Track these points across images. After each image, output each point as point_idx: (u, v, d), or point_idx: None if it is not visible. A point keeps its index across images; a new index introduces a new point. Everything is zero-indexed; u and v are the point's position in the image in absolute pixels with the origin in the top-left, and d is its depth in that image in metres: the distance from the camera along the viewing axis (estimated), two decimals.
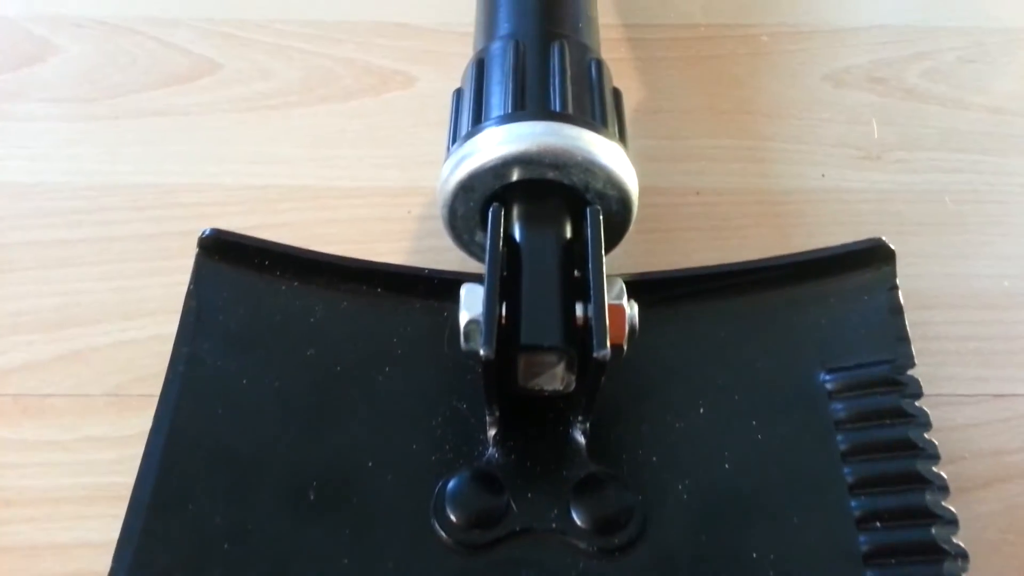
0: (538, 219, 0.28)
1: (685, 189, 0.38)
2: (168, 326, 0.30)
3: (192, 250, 0.33)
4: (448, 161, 0.29)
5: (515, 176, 0.28)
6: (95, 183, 0.37)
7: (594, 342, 0.24)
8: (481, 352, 0.24)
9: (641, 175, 0.35)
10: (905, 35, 0.44)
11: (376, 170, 0.38)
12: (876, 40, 0.43)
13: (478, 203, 0.29)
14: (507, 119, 0.28)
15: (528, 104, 0.28)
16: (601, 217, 0.26)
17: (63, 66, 0.42)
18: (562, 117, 0.28)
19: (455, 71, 0.41)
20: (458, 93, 0.32)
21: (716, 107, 0.41)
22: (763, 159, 0.39)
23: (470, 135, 0.28)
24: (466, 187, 0.28)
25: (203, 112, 0.40)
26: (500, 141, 0.28)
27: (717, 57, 0.43)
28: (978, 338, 0.34)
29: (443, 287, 0.31)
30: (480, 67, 0.31)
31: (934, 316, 0.34)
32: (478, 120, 0.29)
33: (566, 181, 0.28)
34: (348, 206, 0.37)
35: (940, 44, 0.43)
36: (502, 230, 0.27)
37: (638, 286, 0.30)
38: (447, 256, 0.33)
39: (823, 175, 0.38)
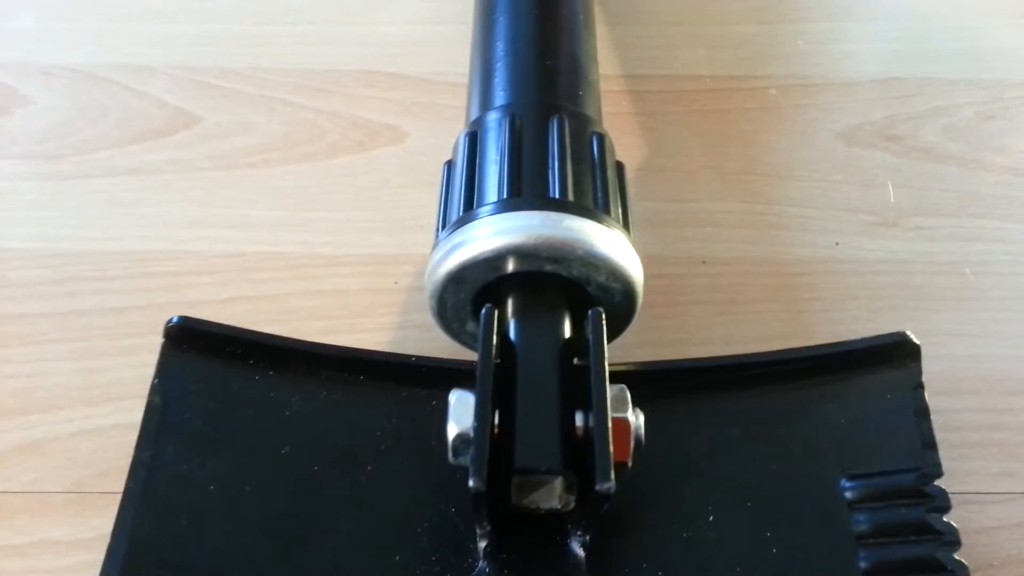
0: (535, 317, 0.25)
1: (690, 258, 0.35)
2: (135, 412, 0.27)
3: (162, 325, 0.31)
4: (438, 249, 0.26)
5: (510, 268, 0.25)
6: (61, 250, 0.35)
7: (596, 471, 0.21)
8: (470, 483, 0.21)
9: (644, 242, 0.33)
10: (920, 89, 0.41)
11: (362, 235, 0.36)
12: (890, 94, 0.41)
13: (469, 294, 0.26)
14: (502, 206, 0.26)
15: (525, 189, 0.26)
16: (604, 320, 0.24)
17: (30, 119, 0.39)
18: (561, 205, 0.25)
19: (447, 125, 0.39)
20: (449, 167, 0.30)
21: (723, 167, 0.38)
22: (773, 225, 0.36)
23: (462, 223, 0.26)
24: (457, 279, 0.26)
25: (178, 170, 0.37)
26: (494, 232, 0.25)
27: (723, 112, 0.40)
28: (1004, 428, 0.31)
29: (431, 375, 0.28)
30: (473, 142, 0.29)
31: (955, 403, 0.32)
32: (471, 204, 0.26)
33: (565, 274, 0.26)
34: (331, 276, 0.34)
35: (957, 99, 0.41)
36: (496, 332, 0.24)
37: (642, 377, 0.28)
38: (436, 333, 0.31)
39: (837, 243, 0.36)
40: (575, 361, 0.25)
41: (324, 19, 0.43)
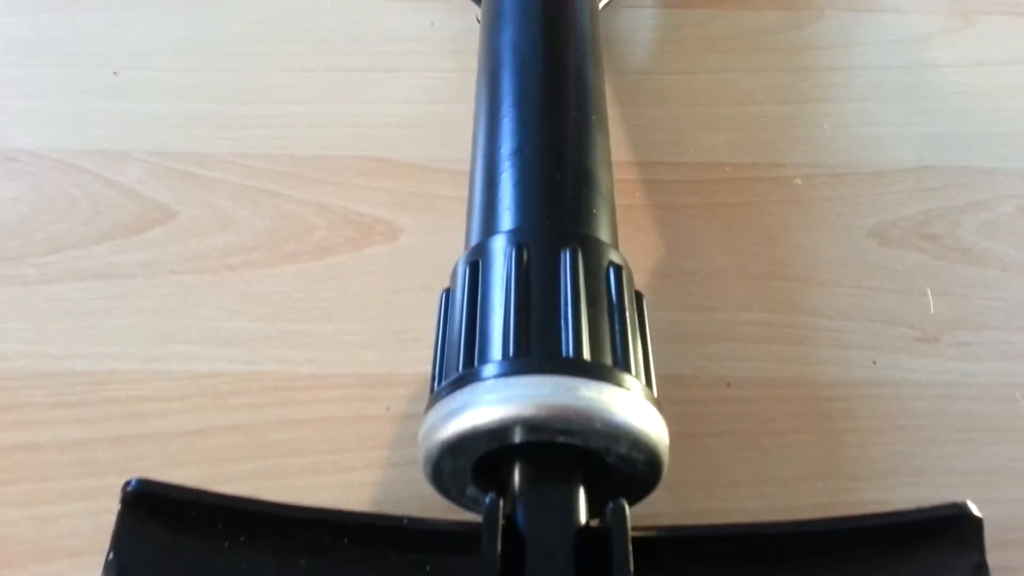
0: (545, 502, 0.21)
1: (714, 379, 0.32)
2: (94, 570, 0.23)
3: (127, 463, 0.27)
4: (434, 411, 0.23)
5: (517, 439, 0.22)
6: (16, 370, 0.31)
7: None
8: None
9: (663, 360, 0.29)
10: (957, 179, 0.37)
11: (350, 351, 0.32)
12: (924, 185, 0.37)
13: (469, 462, 0.23)
14: (507, 367, 0.22)
15: (533, 346, 0.22)
16: (628, 518, 0.20)
17: None
18: (575, 367, 0.22)
19: (445, 220, 0.36)
20: (447, 300, 0.26)
21: (747, 270, 0.35)
22: (804, 339, 0.33)
23: (461, 383, 0.22)
24: (455, 448, 0.22)
25: (150, 274, 0.33)
26: (498, 399, 0.21)
27: (746, 205, 0.36)
28: None
29: (425, 538, 0.25)
30: (475, 275, 0.25)
31: (1013, 558, 0.28)
32: (471, 358, 0.23)
33: (580, 443, 0.22)
34: (315, 401, 0.31)
35: (998, 190, 0.37)
36: (501, 522, 0.20)
37: (661, 544, 0.24)
38: None
39: (874, 362, 0.32)
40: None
41: (314, 98, 0.39)
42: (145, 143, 0.37)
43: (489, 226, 0.26)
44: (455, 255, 0.29)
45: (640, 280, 0.34)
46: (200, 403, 0.30)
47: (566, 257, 0.24)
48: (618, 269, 0.25)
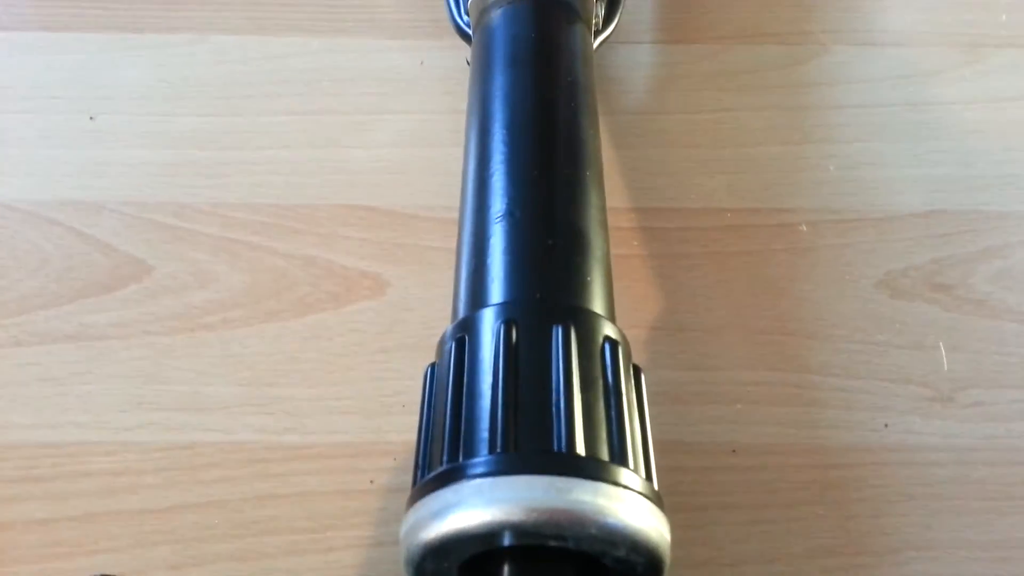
0: None
1: (718, 446, 0.30)
2: None
3: (96, 543, 0.25)
4: (414, 511, 0.21)
5: (506, 542, 0.20)
6: None
7: None
8: None
9: (664, 424, 0.27)
10: (969, 224, 0.36)
11: (332, 417, 0.30)
12: (935, 231, 0.35)
13: (455, 564, 0.21)
14: (495, 464, 0.20)
15: (522, 439, 0.20)
16: None
17: None
18: (568, 464, 0.20)
19: (434, 273, 0.34)
20: (433, 377, 0.24)
21: (751, 324, 0.33)
22: (812, 401, 0.31)
23: (446, 480, 0.20)
24: (438, 551, 0.20)
25: (123, 335, 0.32)
26: (484, 502, 0.19)
27: (748, 254, 0.35)
28: None
29: None
30: (461, 354, 0.23)
31: None
32: (456, 449, 0.21)
33: (573, 547, 0.20)
34: (295, 473, 0.29)
35: (1012, 236, 0.35)
36: None
37: None
38: None
39: (886, 424, 0.30)
40: None
41: (298, 143, 0.37)
42: (121, 193, 0.35)
43: (477, 298, 0.24)
44: (444, 311, 0.27)
45: (637, 335, 0.32)
46: (173, 477, 0.28)
47: (558, 335, 0.22)
48: (614, 345, 0.23)
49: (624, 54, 0.41)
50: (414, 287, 0.33)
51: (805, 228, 0.35)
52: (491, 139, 0.29)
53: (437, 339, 0.25)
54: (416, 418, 0.25)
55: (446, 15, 0.39)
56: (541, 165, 0.28)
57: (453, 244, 0.30)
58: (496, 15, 0.34)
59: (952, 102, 0.40)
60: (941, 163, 0.38)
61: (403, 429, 0.30)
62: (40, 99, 0.38)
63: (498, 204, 0.27)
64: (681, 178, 0.37)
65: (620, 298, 0.28)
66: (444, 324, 0.25)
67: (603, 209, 0.28)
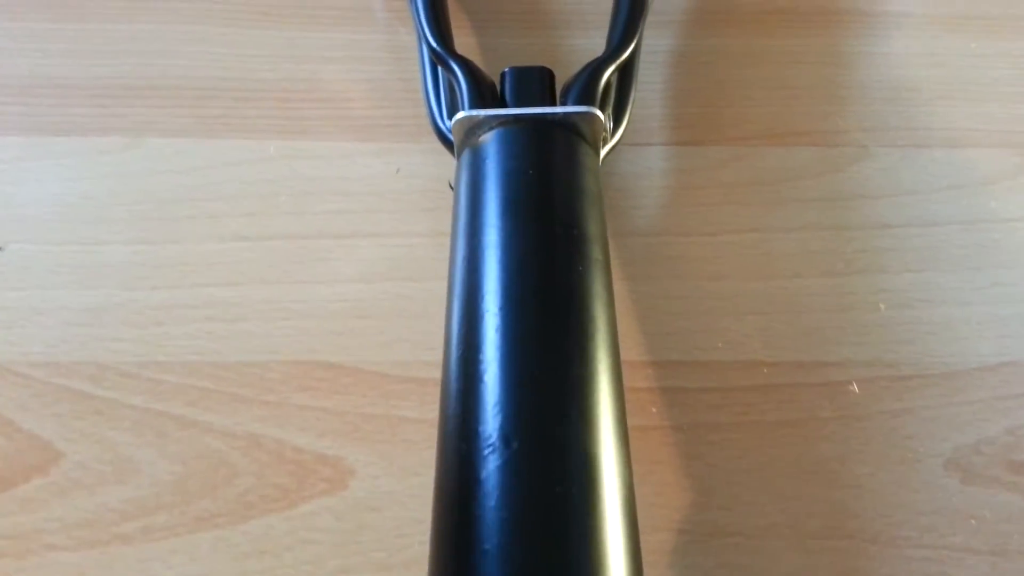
0: None
1: None
2: None
3: None
4: None
5: None
6: None
7: None
8: None
9: None
10: None
11: None
12: (1008, 389, 0.29)
13: None
14: None
15: None
16: None
17: None
18: None
19: (410, 455, 0.27)
20: None
21: (800, 526, 0.26)
22: None
23: None
24: None
25: (20, 550, 0.24)
26: None
27: (791, 425, 0.28)
28: None
29: None
30: None
31: None
32: None
33: None
34: None
35: None
36: None
37: None
38: None
39: None
40: None
41: (248, 278, 0.30)
42: (31, 349, 0.28)
43: (464, 570, 0.17)
44: (422, 511, 0.20)
45: (662, 543, 0.25)
46: None
47: None
48: None
49: (632, 159, 0.34)
50: (384, 477, 0.26)
51: (856, 389, 0.28)
52: (480, 319, 0.22)
53: (411, 553, 0.18)
54: None
55: (425, 114, 0.32)
56: (544, 360, 0.21)
57: (434, 414, 0.23)
58: (487, 139, 0.27)
59: (1014, 219, 0.33)
60: (1008, 299, 0.31)
61: None
62: None
63: (490, 423, 0.20)
64: (705, 321, 0.30)
65: (639, 488, 0.21)
66: (420, 531, 0.19)
67: (623, 415, 0.21)
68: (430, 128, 0.32)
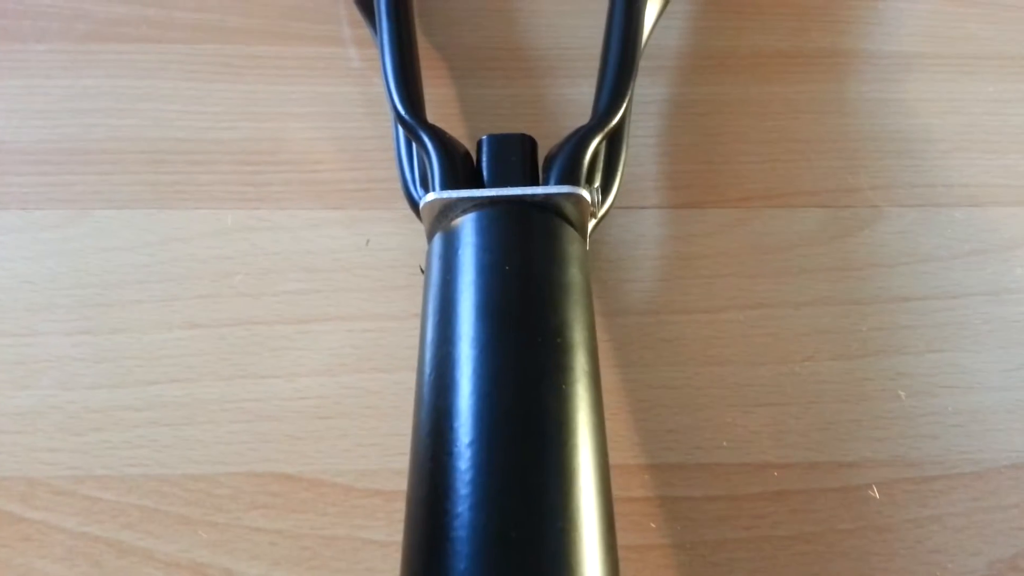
0: None
1: None
2: None
3: None
4: None
5: None
6: None
7: None
8: None
9: None
10: None
11: None
12: None
13: None
14: None
15: None
16: None
17: None
18: None
19: None
20: None
21: None
22: None
23: None
24: None
25: None
26: None
27: (806, 541, 0.24)
28: None
29: None
30: None
31: None
32: None
33: None
34: None
35: None
36: None
37: None
38: None
39: None
40: None
41: (197, 372, 0.26)
42: None
43: None
44: None
45: None
46: None
47: None
48: None
49: (623, 224, 0.31)
50: None
51: (877, 494, 0.25)
52: (449, 456, 0.18)
53: None
54: None
55: (397, 178, 0.29)
56: (522, 516, 0.18)
57: (403, 537, 0.19)
58: (460, 223, 0.23)
59: None
60: None
61: None
62: None
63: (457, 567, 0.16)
64: (708, 415, 0.26)
65: None
66: None
67: (614, 553, 0.18)
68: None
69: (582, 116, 0.33)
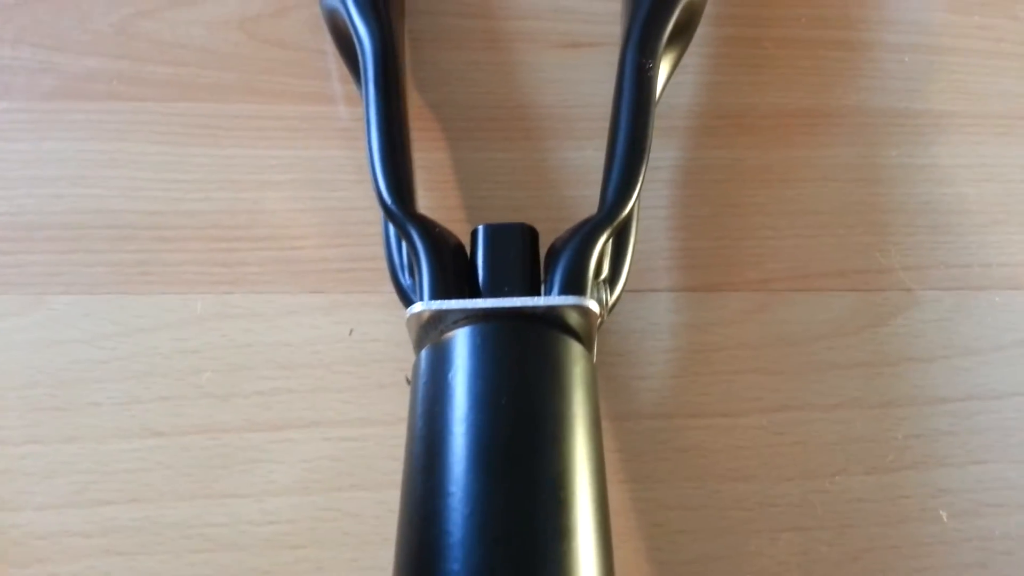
0: None
1: None
2: None
3: None
4: None
5: None
6: None
7: None
8: None
9: None
10: None
11: None
12: None
13: None
14: None
15: None
16: None
17: None
18: None
19: None
20: None
21: None
22: None
23: None
24: None
25: None
26: None
27: None
28: None
29: None
30: None
31: None
32: None
33: None
34: None
35: None
36: None
37: None
38: None
39: None
40: None
41: (156, 491, 0.23)
42: None
43: None
44: None
45: None
46: None
47: None
48: None
49: (634, 311, 0.27)
50: None
51: None
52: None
53: None
54: None
55: (385, 264, 0.25)
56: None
57: None
58: (452, 337, 0.20)
59: None
60: None
61: None
62: None
63: None
64: (729, 544, 0.23)
65: None
66: None
67: None
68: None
69: (587, 183, 0.29)
